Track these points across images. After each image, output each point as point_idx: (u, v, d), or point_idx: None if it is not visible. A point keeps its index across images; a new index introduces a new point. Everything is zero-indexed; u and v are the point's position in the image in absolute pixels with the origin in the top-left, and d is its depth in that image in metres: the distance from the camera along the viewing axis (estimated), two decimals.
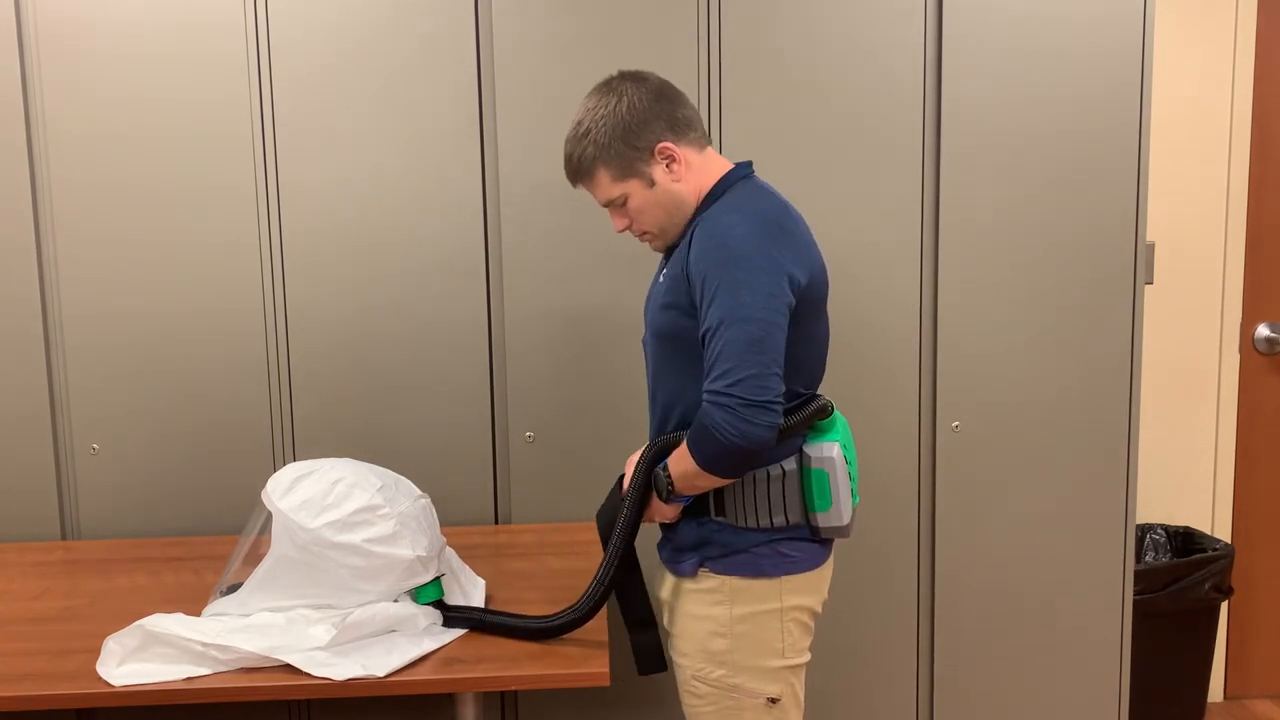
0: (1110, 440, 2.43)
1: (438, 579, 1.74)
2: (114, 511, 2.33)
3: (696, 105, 1.79)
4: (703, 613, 1.68)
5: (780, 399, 1.52)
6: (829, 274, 1.69)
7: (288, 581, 1.70)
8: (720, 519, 1.66)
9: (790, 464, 1.64)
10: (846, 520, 1.65)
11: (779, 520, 1.64)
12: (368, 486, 1.71)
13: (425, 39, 2.24)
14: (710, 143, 1.73)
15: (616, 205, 1.69)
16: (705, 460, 1.55)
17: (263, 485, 1.74)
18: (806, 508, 1.66)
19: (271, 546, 1.71)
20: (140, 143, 2.24)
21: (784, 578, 1.66)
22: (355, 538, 1.66)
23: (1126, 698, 2.49)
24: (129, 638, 1.61)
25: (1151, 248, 3.00)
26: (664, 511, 1.68)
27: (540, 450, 2.33)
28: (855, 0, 2.27)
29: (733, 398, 1.49)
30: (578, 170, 1.68)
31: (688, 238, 1.63)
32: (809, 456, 1.64)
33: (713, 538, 1.67)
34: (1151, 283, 3.02)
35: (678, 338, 1.63)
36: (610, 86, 1.66)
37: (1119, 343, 2.40)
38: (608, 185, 1.66)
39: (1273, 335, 3.09)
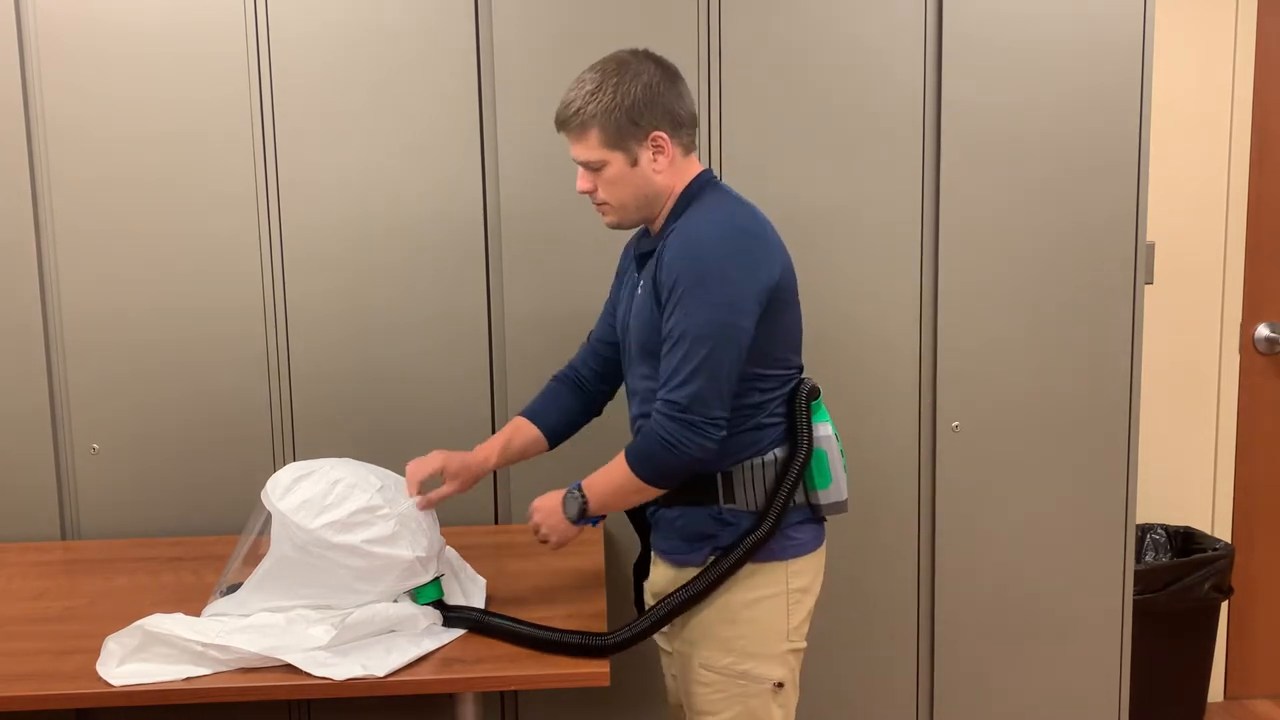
0: (1110, 440, 2.42)
1: (437, 579, 1.74)
2: (114, 511, 2.33)
3: (696, 107, 1.80)
4: (711, 600, 1.68)
5: (725, 418, 1.59)
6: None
7: (287, 582, 1.70)
8: (730, 506, 1.68)
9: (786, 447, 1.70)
10: (845, 495, 1.74)
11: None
12: (367, 487, 1.71)
13: (426, 36, 2.24)
14: (696, 149, 1.76)
15: (591, 168, 1.68)
16: (652, 471, 1.61)
17: (263, 485, 1.74)
18: (807, 487, 1.70)
19: (271, 547, 1.71)
20: (140, 141, 2.24)
21: (790, 560, 1.70)
22: (355, 538, 1.66)
23: (1126, 698, 2.49)
24: (129, 638, 1.61)
25: (1151, 248, 3.00)
26: (563, 532, 1.72)
27: None
28: None
29: (689, 412, 1.56)
30: (571, 121, 1.66)
31: (661, 245, 1.66)
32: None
33: (725, 525, 1.68)
34: (1151, 283, 3.02)
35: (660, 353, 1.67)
36: (631, 60, 1.66)
37: (1119, 343, 2.40)
38: (594, 147, 1.66)
39: (1273, 335, 3.08)
